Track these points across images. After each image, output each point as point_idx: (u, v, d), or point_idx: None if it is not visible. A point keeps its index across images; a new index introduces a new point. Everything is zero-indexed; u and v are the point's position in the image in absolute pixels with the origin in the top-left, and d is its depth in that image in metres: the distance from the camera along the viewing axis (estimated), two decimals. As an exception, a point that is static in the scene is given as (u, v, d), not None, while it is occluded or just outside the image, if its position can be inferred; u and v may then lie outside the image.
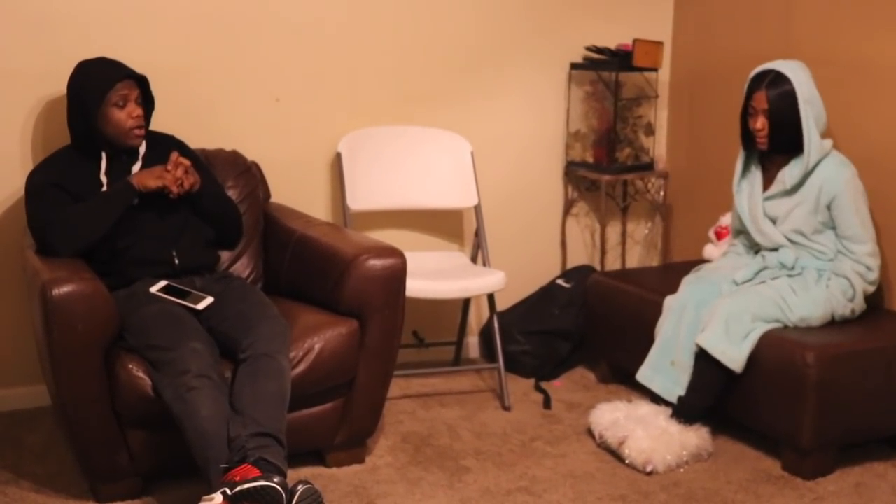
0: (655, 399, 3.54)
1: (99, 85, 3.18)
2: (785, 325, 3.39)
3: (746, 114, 3.56)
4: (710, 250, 3.96)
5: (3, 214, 3.57)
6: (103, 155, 3.24)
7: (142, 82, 3.26)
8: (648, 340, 3.61)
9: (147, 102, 3.30)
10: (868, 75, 3.62)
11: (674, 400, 3.46)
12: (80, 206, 3.14)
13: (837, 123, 3.62)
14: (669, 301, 3.58)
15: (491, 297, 3.90)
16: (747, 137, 3.61)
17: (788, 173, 3.50)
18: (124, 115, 3.20)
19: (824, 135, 3.50)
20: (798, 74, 3.46)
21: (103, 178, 3.21)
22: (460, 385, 4.03)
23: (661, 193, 4.53)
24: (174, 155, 3.22)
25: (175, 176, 3.17)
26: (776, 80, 3.46)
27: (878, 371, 3.27)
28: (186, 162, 3.22)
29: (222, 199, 3.44)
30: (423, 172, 4.06)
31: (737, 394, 3.38)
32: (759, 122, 3.49)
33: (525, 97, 4.32)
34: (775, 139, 3.50)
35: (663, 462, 3.26)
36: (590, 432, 3.52)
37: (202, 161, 3.48)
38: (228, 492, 2.61)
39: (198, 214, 3.32)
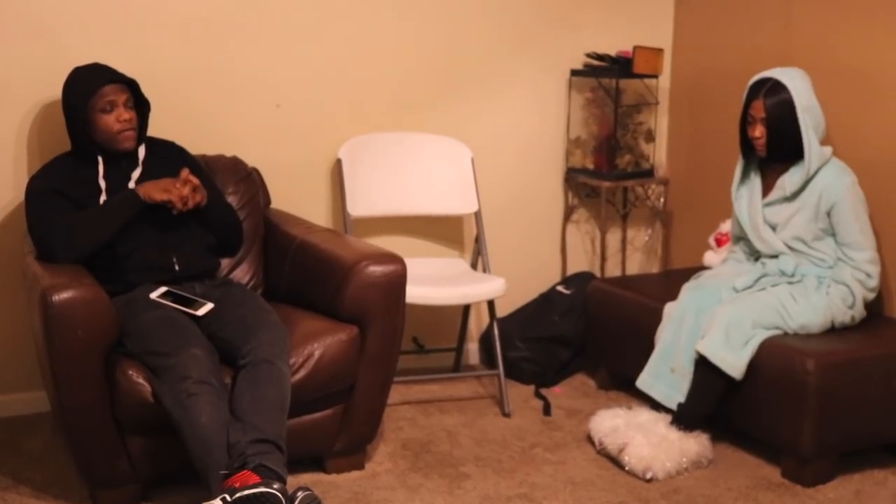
0: (655, 406, 3.53)
1: (84, 91, 3.18)
2: (785, 332, 3.39)
3: (745, 122, 3.57)
4: (710, 257, 3.95)
5: (2, 220, 3.57)
6: (99, 160, 3.24)
7: (132, 86, 3.25)
8: (648, 347, 3.61)
9: (142, 106, 3.29)
10: (868, 82, 3.62)
11: (674, 407, 3.45)
12: (83, 214, 3.14)
13: (837, 130, 3.62)
14: (669, 308, 3.58)
15: (491, 304, 3.90)
16: (746, 145, 3.61)
17: (789, 180, 3.51)
18: (111, 120, 3.19)
19: (823, 142, 3.50)
20: (796, 82, 3.46)
21: (102, 183, 3.21)
22: (460, 391, 4.03)
23: (662, 200, 4.54)
24: (184, 172, 3.21)
25: (182, 194, 3.17)
26: (774, 89, 3.46)
27: (878, 378, 3.27)
28: (195, 181, 3.20)
29: (224, 208, 3.43)
30: (424, 179, 4.06)
31: (737, 401, 3.38)
32: (758, 131, 3.50)
33: (525, 103, 4.32)
34: (774, 147, 3.50)
35: (663, 469, 3.26)
36: (590, 439, 3.52)
37: (204, 168, 3.47)
38: (228, 498, 2.60)
39: (199, 222, 3.32)
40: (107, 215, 3.15)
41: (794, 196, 3.51)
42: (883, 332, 3.48)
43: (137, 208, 3.15)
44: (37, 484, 3.16)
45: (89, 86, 3.18)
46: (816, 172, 3.46)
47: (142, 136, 3.31)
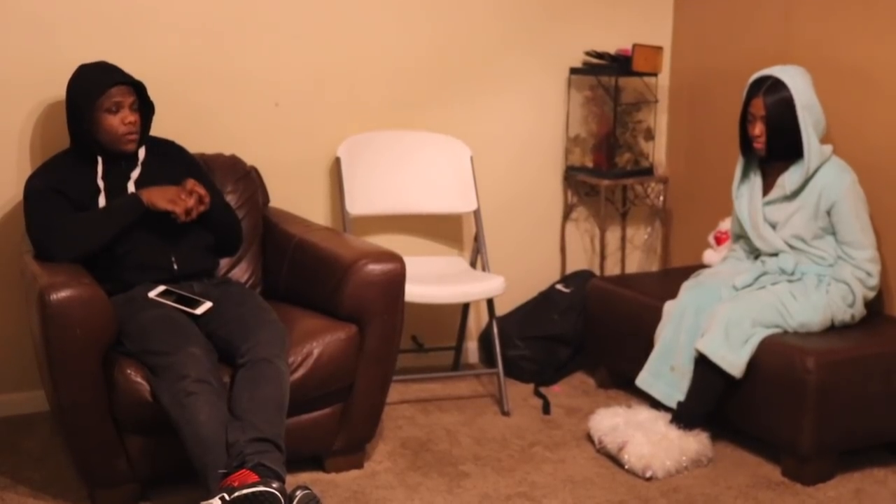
0: (655, 404, 3.53)
1: (91, 90, 3.17)
2: (785, 330, 3.38)
3: (745, 120, 3.56)
4: (709, 255, 3.95)
5: (2, 219, 3.57)
6: (99, 159, 3.23)
7: (138, 88, 3.25)
8: (648, 346, 3.60)
9: (146, 108, 3.29)
10: (867, 80, 3.62)
11: (673, 405, 3.45)
12: (84, 216, 3.13)
13: (837, 129, 3.62)
14: (669, 306, 3.58)
15: (490, 302, 3.90)
16: (746, 144, 3.60)
17: (788, 178, 3.50)
18: (117, 121, 3.18)
19: (823, 140, 3.50)
20: (796, 80, 3.45)
21: (100, 183, 3.20)
22: (459, 390, 4.02)
23: (661, 198, 4.53)
24: (190, 182, 3.20)
25: (187, 205, 3.16)
26: (774, 87, 3.45)
27: (877, 376, 3.27)
28: (201, 191, 3.19)
29: (223, 208, 3.42)
30: (423, 177, 4.05)
31: (736, 399, 3.37)
32: (758, 129, 3.49)
33: (525, 101, 4.32)
34: (774, 145, 3.49)
35: (663, 468, 3.25)
36: (589, 438, 3.52)
37: (203, 168, 3.47)
38: (227, 497, 2.60)
39: (198, 222, 3.30)
40: (107, 219, 3.13)
41: (795, 195, 3.50)
42: (883, 331, 3.47)
43: (139, 214, 3.14)
44: (35, 483, 3.16)
45: (97, 85, 3.17)
46: (816, 171, 3.46)
47: (143, 138, 3.30)
